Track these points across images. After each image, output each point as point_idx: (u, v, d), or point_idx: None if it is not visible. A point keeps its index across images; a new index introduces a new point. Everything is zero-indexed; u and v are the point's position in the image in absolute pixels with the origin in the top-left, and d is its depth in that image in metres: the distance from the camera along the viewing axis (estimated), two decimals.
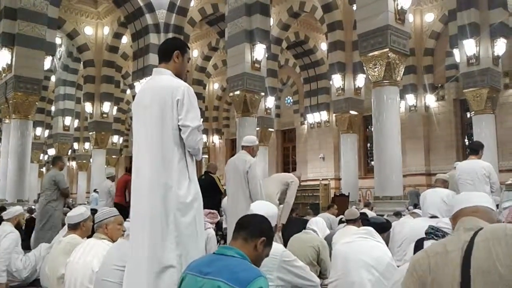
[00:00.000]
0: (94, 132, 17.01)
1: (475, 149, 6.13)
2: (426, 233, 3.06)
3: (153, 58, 14.01)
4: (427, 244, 2.95)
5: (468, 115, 13.40)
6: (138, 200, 2.49)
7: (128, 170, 8.70)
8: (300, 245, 3.77)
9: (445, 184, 6.36)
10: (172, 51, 2.61)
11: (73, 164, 25.67)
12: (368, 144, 17.73)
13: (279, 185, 5.75)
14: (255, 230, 1.99)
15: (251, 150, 5.23)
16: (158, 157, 2.43)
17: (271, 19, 12.72)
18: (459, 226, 1.64)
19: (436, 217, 4.82)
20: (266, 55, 11.52)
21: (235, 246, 1.94)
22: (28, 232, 6.98)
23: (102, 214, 3.37)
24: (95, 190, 13.28)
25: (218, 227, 6.20)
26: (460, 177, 6.01)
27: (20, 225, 5.59)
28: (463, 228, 1.58)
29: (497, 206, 6.15)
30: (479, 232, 1.49)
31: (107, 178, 10.15)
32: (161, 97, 2.46)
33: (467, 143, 15.07)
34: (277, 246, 2.79)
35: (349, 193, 12.78)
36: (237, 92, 10.99)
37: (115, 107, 19.08)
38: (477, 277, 1.38)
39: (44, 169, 22.96)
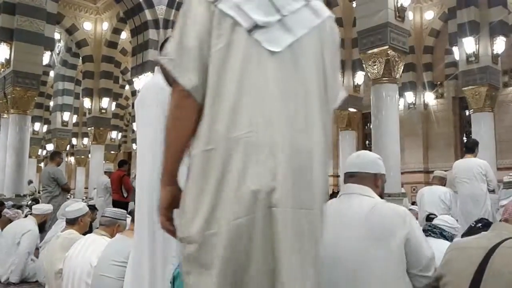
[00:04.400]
0: (92, 128, 16.98)
1: (470, 147, 6.14)
2: (423, 230, 3.07)
3: (152, 54, 13.95)
4: None
5: (467, 113, 13.42)
6: (141, 198, 2.51)
7: (121, 165, 8.67)
8: None
9: (442, 181, 6.37)
10: None
11: (72, 159, 25.64)
12: (367, 142, 17.73)
13: None
14: None
15: None
16: (159, 156, 2.43)
17: None
18: (497, 228, 1.62)
19: (433, 214, 4.83)
20: None
21: None
22: None
23: (120, 214, 3.33)
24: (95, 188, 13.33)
25: None
26: (456, 175, 6.02)
27: (45, 223, 5.44)
28: (498, 232, 1.56)
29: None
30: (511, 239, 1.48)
31: (104, 173, 10.16)
32: (162, 97, 2.46)
33: (465, 141, 15.07)
34: None
35: None
36: None
37: (114, 103, 19.03)
38: (490, 278, 1.38)
39: (42, 164, 22.95)
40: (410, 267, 1.75)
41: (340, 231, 1.82)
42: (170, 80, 1.26)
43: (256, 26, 1.18)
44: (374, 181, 2.04)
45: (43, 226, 5.33)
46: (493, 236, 1.55)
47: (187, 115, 1.22)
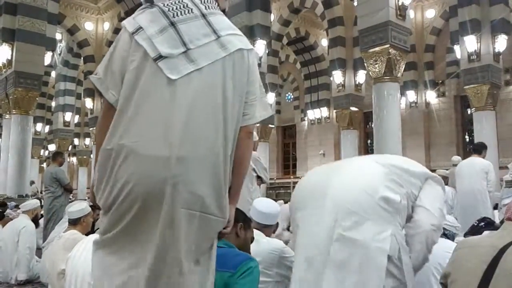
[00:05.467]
0: (94, 128, 17.02)
1: (478, 150, 6.15)
2: None
3: None
4: None
5: (469, 112, 13.38)
6: None
7: None
8: None
9: (444, 180, 6.36)
10: None
11: (74, 159, 25.68)
12: (369, 141, 17.74)
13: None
14: None
15: (253, 145, 5.23)
16: None
17: (272, 15, 12.69)
18: (508, 227, 1.60)
19: None
20: (267, 51, 11.51)
21: None
22: None
23: None
24: None
25: None
26: (458, 172, 6.03)
27: (37, 218, 5.74)
28: (509, 231, 1.55)
29: (496, 205, 6.15)
30: None
31: None
32: None
33: (467, 139, 15.05)
34: (277, 242, 2.80)
35: None
36: None
37: None
38: (501, 277, 1.37)
39: (44, 165, 22.98)
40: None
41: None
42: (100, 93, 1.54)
43: (161, 56, 1.45)
44: None
45: (36, 221, 5.58)
46: (504, 235, 1.54)
47: (110, 121, 1.49)
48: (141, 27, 1.49)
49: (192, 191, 1.42)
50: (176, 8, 1.54)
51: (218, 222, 1.51)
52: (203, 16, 1.54)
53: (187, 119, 1.43)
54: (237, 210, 2.15)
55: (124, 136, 1.42)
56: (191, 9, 1.55)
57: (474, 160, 5.98)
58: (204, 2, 1.58)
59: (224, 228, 1.57)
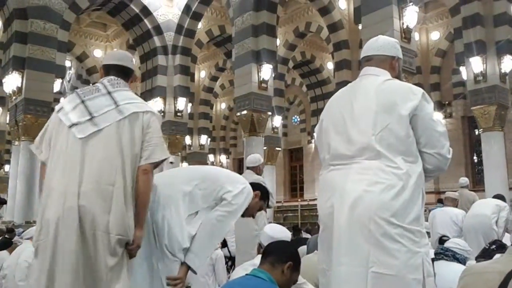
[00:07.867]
0: None
1: (498, 196, 6.15)
2: (435, 253, 3.02)
3: (161, 79, 14.16)
4: (436, 265, 2.91)
5: (477, 133, 13.31)
6: None
7: None
8: (310, 266, 3.71)
9: (454, 202, 6.28)
10: None
11: None
12: None
13: None
14: (281, 255, 2.07)
15: (258, 170, 5.23)
16: None
17: (278, 40, 12.82)
18: None
19: (446, 236, 4.76)
20: (273, 75, 11.58)
21: (263, 270, 2.00)
22: None
23: None
24: None
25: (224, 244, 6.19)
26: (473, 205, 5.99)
27: None
28: None
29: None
30: None
31: None
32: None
33: (476, 160, 14.93)
34: None
35: None
36: (244, 112, 11.03)
37: None
38: None
39: None
40: (416, 143, 1.79)
41: (353, 105, 1.95)
42: None
43: (73, 124, 2.06)
44: (391, 64, 2.13)
45: None
46: (510, 260, 1.52)
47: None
48: (62, 107, 2.16)
49: (95, 216, 1.89)
50: (89, 91, 2.18)
51: (120, 240, 1.93)
52: (109, 93, 2.15)
53: (91, 164, 1.98)
54: (292, 249, 2.17)
55: (51, 182, 1.99)
56: (100, 89, 2.17)
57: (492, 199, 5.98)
58: (112, 84, 2.19)
59: (131, 245, 1.96)
